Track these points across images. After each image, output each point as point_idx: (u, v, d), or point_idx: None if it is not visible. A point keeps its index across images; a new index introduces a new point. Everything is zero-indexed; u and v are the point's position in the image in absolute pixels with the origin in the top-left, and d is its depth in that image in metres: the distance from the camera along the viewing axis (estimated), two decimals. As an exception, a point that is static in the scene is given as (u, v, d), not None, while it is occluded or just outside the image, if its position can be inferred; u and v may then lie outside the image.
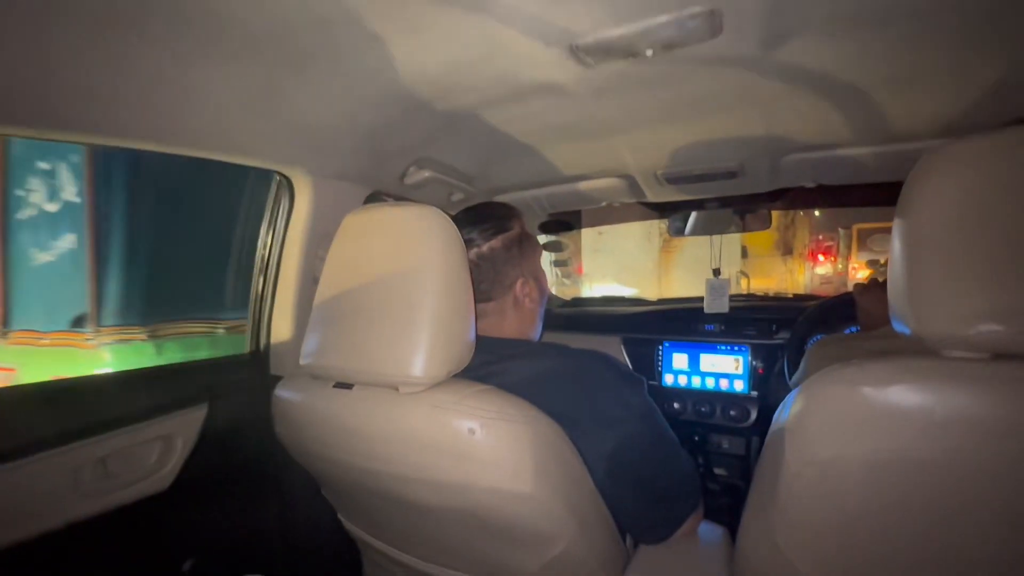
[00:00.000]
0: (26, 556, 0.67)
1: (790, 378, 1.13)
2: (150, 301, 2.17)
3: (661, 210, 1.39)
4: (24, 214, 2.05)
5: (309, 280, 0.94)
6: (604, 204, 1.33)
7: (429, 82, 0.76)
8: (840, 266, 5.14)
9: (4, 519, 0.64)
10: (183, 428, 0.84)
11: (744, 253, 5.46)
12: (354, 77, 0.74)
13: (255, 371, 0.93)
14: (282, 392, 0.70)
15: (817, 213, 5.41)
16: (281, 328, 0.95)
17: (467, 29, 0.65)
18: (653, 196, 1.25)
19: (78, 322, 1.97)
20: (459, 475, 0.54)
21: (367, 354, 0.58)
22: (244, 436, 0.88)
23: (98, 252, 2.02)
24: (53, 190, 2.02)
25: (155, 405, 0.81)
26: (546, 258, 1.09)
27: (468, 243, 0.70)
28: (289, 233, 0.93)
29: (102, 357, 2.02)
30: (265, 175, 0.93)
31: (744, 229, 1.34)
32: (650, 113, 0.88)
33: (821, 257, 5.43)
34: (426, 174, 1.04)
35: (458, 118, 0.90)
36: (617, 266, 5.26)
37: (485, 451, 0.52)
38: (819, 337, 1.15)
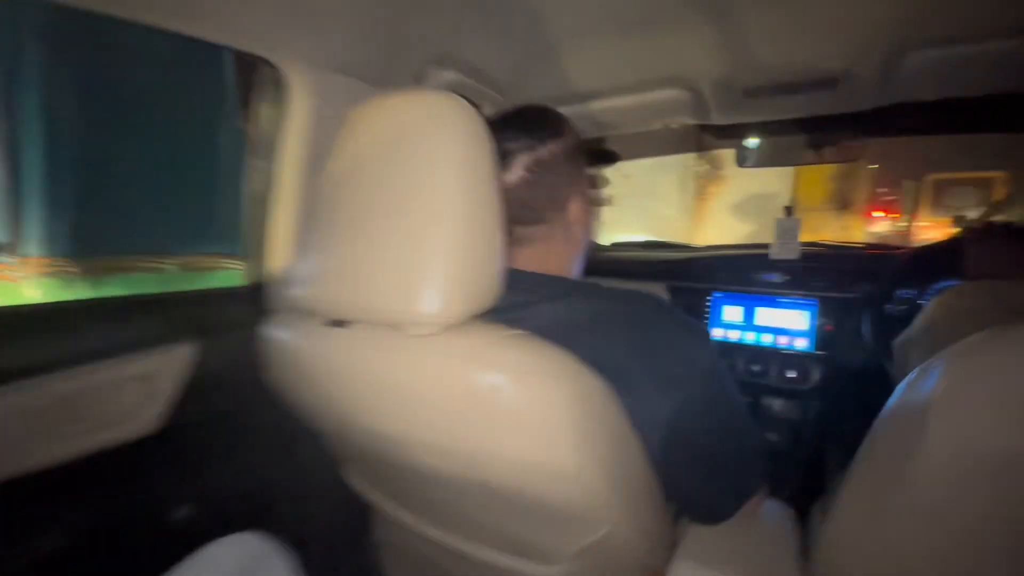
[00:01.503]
0: None
1: (871, 336, 0.98)
2: (91, 229, 1.85)
3: (726, 136, 1.18)
4: None
5: (310, 197, 0.80)
6: (659, 126, 1.12)
7: None
8: (904, 223, 4.68)
9: None
10: (168, 367, 0.75)
11: (791, 205, 5.06)
12: None
13: (251, 305, 0.82)
14: (269, 330, 0.60)
15: (874, 166, 4.89)
16: (280, 255, 0.83)
17: None
18: (721, 116, 1.05)
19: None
20: (479, 441, 0.45)
21: (368, 285, 0.47)
22: (238, 377, 0.79)
23: (15, 169, 1.69)
24: None
25: (134, 340, 0.72)
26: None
27: (514, 153, 0.58)
28: (284, 141, 0.78)
29: (28, 292, 1.81)
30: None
31: (829, 160, 1.13)
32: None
33: (879, 213, 4.97)
34: (449, 76, 0.86)
35: (494, 7, 0.72)
36: (643, 214, 4.97)
37: (513, 414, 0.42)
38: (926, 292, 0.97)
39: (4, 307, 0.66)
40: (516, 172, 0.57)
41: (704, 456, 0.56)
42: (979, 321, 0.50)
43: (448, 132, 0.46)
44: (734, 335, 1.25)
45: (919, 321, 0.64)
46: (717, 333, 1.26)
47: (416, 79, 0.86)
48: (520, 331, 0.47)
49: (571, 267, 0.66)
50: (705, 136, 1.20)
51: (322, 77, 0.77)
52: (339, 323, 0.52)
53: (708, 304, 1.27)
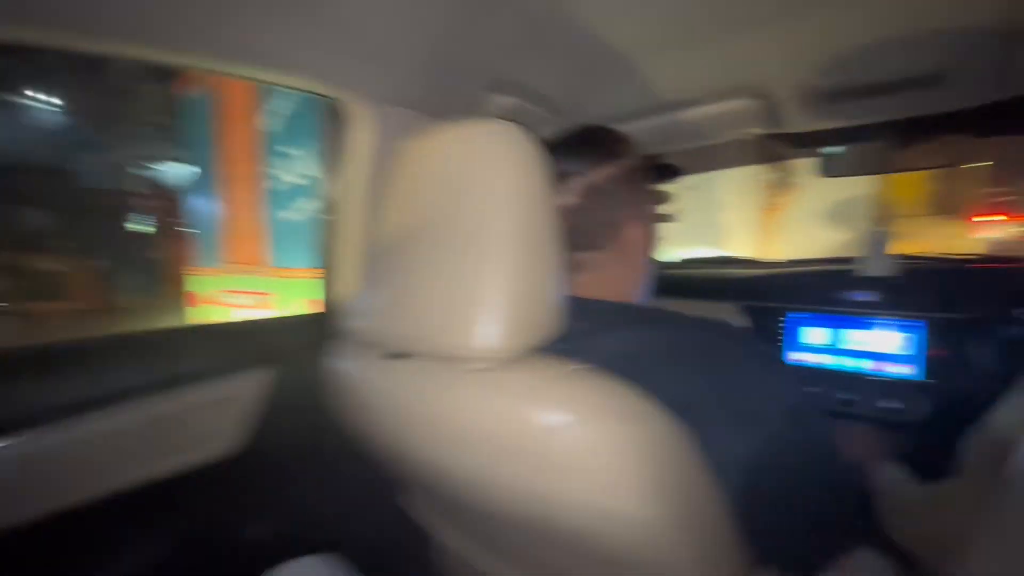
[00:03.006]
0: (64, 528, 0.64)
1: (994, 364, 0.85)
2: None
3: (802, 144, 1.08)
4: (279, 187, 3.06)
5: (372, 228, 0.83)
6: (723, 140, 1.06)
7: None
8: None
9: (39, 487, 0.62)
10: (245, 392, 0.79)
11: (880, 212, 4.59)
12: None
13: (324, 331, 0.85)
14: (330, 360, 0.62)
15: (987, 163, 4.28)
16: (343, 284, 0.86)
17: None
18: (798, 123, 0.97)
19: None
20: (539, 483, 0.43)
21: (426, 319, 0.47)
22: (309, 403, 0.81)
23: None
24: (296, 169, 2.94)
25: (213, 366, 0.77)
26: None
27: (570, 176, 0.57)
28: (346, 173, 0.82)
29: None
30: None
31: (932, 164, 1.00)
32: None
33: (990, 218, 4.35)
34: (505, 101, 0.87)
35: (546, 22, 0.72)
36: (707, 228, 4.71)
37: (575, 456, 0.41)
38: None
39: (88, 338, 0.73)
40: (570, 197, 0.56)
41: (788, 500, 0.50)
42: None
43: (504, 161, 0.46)
44: (816, 359, 1.13)
45: None
46: (794, 357, 1.15)
47: (471, 106, 0.88)
48: (581, 366, 0.45)
49: (632, 292, 0.63)
50: (777, 145, 1.11)
51: (382, 109, 0.80)
52: (398, 356, 0.52)
53: (783, 326, 1.16)
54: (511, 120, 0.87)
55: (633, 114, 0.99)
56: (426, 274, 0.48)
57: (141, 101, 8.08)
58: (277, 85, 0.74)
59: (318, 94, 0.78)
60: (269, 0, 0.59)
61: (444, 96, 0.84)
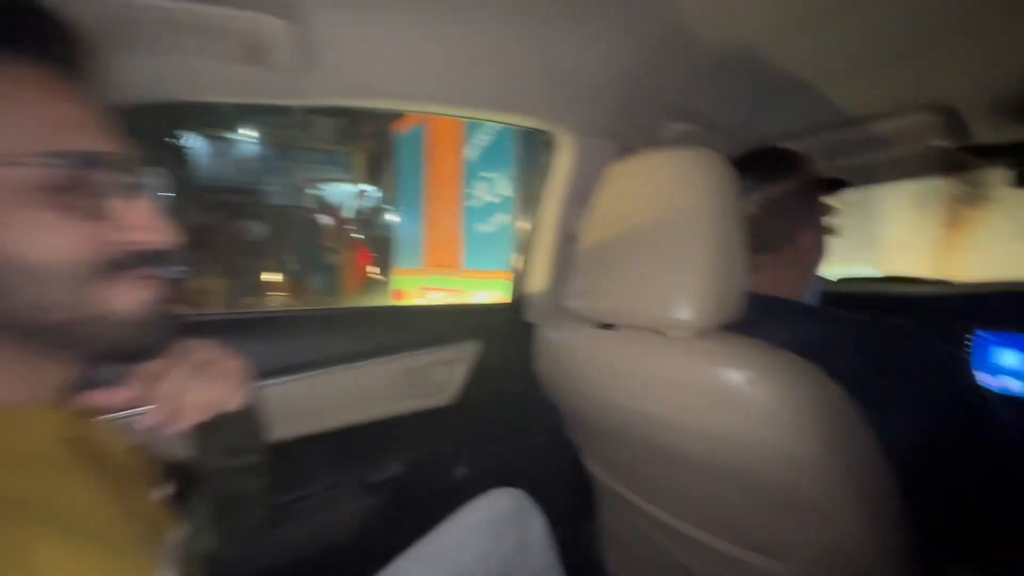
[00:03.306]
0: (348, 437, 0.92)
1: None
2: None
3: (990, 154, 1.03)
4: (474, 203, 3.90)
5: (563, 236, 1.01)
6: (900, 154, 1.05)
7: (701, 12, 0.72)
8: None
9: (337, 408, 0.90)
10: (463, 357, 1.03)
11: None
12: (615, 13, 0.74)
13: (516, 316, 1.07)
14: (546, 332, 0.78)
15: None
16: (537, 280, 1.06)
17: None
18: (988, 134, 0.94)
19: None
20: (726, 425, 0.53)
21: (633, 296, 0.60)
22: (504, 372, 1.03)
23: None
24: (493, 190, 3.72)
25: (444, 335, 1.01)
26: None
27: (752, 189, 0.68)
28: (547, 190, 1.02)
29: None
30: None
31: None
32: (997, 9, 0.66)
33: None
34: (683, 128, 1.00)
35: (726, 58, 0.83)
36: (866, 243, 4.14)
37: (760, 403, 0.49)
38: None
39: (369, 307, 1.03)
40: (751, 207, 0.67)
41: (965, 497, 0.54)
42: None
43: (702, 180, 0.58)
44: (1007, 384, 1.04)
45: None
46: (985, 379, 1.06)
47: (651, 134, 1.02)
48: (764, 342, 0.54)
49: (801, 293, 0.71)
50: (965, 157, 1.05)
51: (580, 139, 0.99)
52: (608, 326, 0.68)
53: (968, 344, 1.09)
54: (685, 143, 1.00)
55: (802, 131, 1.05)
56: (635, 265, 0.61)
57: (320, 131, 9.83)
58: (505, 123, 0.97)
59: (535, 129, 1.00)
60: (507, 58, 0.78)
61: (629, 126, 1.00)
